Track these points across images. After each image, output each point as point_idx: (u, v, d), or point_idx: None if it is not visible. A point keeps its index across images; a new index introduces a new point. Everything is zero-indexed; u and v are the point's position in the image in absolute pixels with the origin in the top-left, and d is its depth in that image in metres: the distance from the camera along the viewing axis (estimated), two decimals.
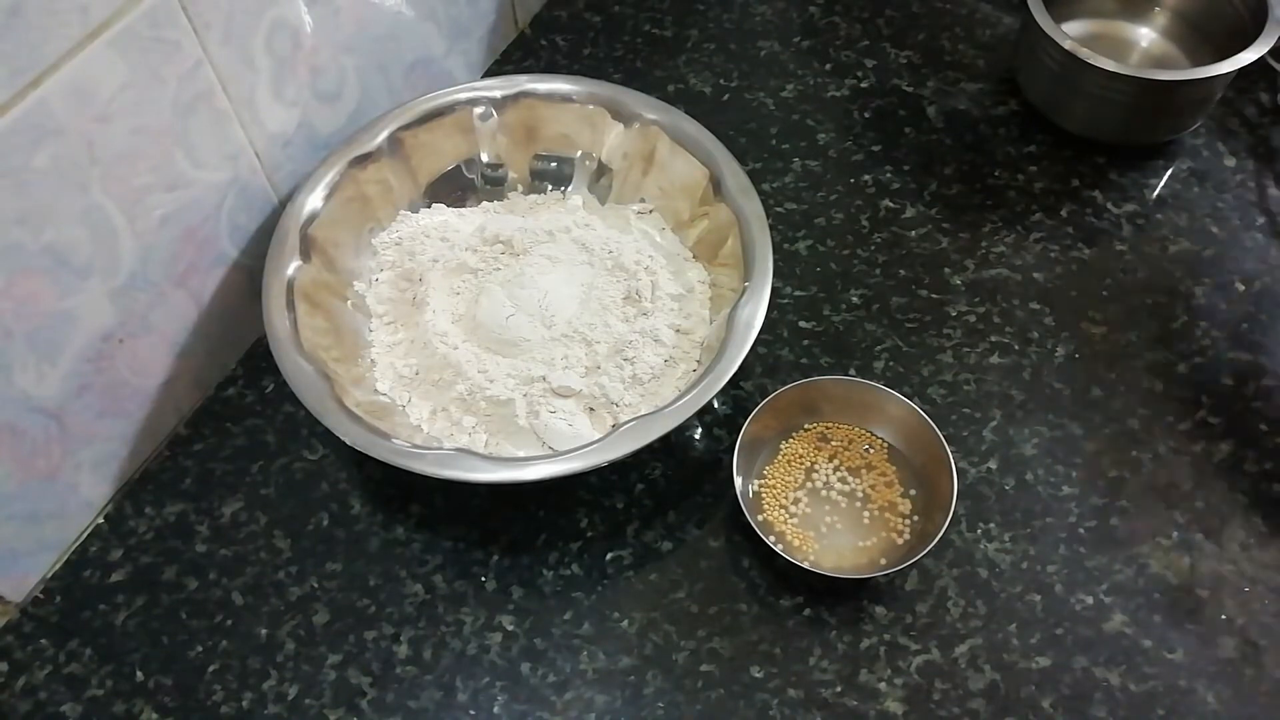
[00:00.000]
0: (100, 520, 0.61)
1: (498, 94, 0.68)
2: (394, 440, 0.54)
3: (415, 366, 0.62)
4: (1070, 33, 0.72)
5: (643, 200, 0.69)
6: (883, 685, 0.54)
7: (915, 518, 0.58)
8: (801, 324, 0.68)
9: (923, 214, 0.73)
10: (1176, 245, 0.71)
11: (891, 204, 0.73)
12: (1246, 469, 0.61)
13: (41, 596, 0.59)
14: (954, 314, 0.68)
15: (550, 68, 0.82)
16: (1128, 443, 0.62)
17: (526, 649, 0.56)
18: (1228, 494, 0.60)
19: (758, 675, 0.55)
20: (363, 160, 0.65)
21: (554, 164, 0.71)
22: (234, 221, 0.63)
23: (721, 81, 0.81)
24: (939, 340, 0.67)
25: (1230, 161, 0.75)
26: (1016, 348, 0.66)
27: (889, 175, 0.75)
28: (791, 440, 0.61)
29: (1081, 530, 0.59)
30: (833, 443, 0.61)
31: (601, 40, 0.84)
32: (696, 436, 0.63)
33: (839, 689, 0.54)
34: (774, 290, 0.59)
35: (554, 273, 0.63)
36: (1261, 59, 0.68)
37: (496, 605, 0.58)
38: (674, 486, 0.61)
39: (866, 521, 0.59)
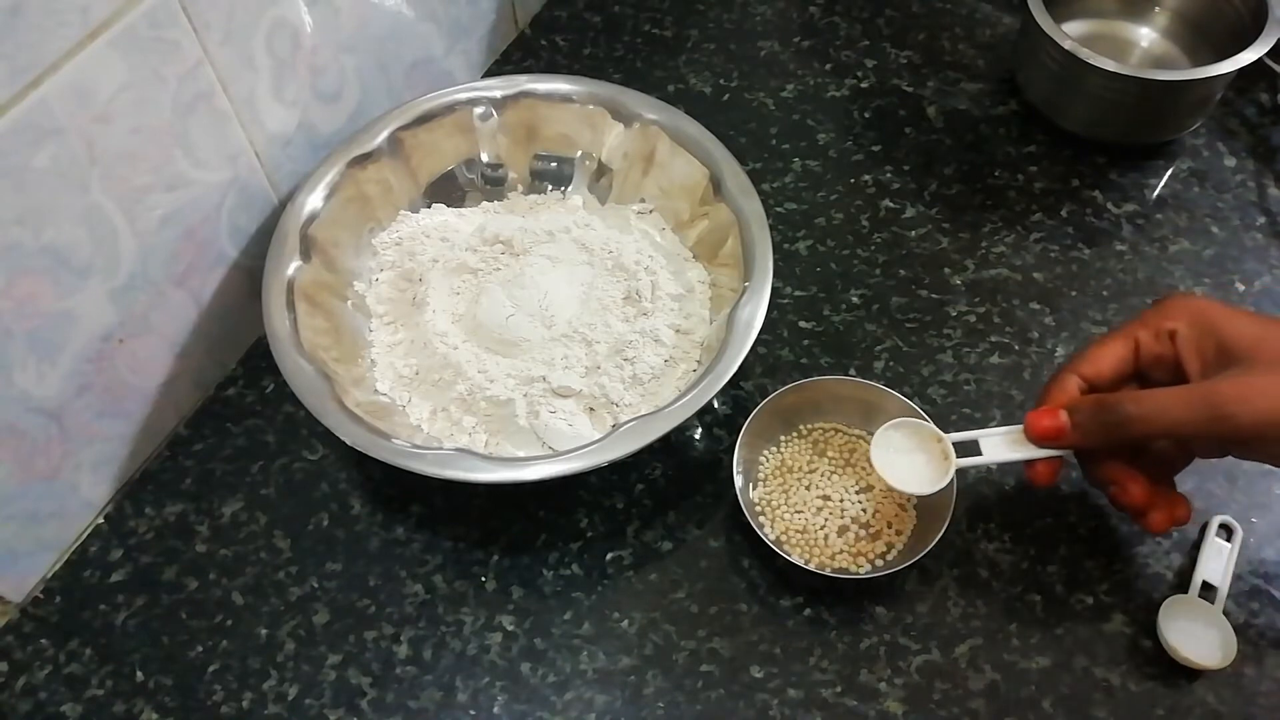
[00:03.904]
0: (100, 520, 0.61)
1: (498, 94, 0.68)
2: (394, 440, 0.54)
3: (415, 366, 0.62)
4: (1070, 33, 0.72)
5: (643, 200, 0.69)
6: (883, 685, 0.54)
7: (915, 518, 0.58)
8: (801, 324, 0.68)
9: (923, 214, 0.73)
10: (1176, 245, 0.71)
11: (891, 204, 0.73)
12: (1246, 468, 0.61)
13: (41, 596, 0.59)
14: (954, 314, 0.68)
15: (550, 68, 0.82)
16: None
17: (526, 649, 0.56)
18: (1227, 493, 0.60)
19: (758, 675, 0.55)
20: (363, 160, 0.65)
21: (554, 164, 0.71)
22: (234, 221, 0.63)
23: (721, 81, 0.81)
24: (939, 340, 0.67)
25: (1230, 161, 0.75)
26: (1016, 348, 0.66)
27: (889, 175, 0.75)
28: (792, 440, 0.61)
29: (1081, 530, 0.59)
30: (833, 443, 0.61)
31: (601, 40, 0.84)
32: (696, 436, 0.63)
33: (839, 689, 0.54)
34: (774, 290, 0.59)
35: (554, 273, 0.63)
36: (1261, 59, 0.68)
37: (496, 605, 0.58)
38: (674, 486, 0.61)
39: (867, 521, 0.59)
